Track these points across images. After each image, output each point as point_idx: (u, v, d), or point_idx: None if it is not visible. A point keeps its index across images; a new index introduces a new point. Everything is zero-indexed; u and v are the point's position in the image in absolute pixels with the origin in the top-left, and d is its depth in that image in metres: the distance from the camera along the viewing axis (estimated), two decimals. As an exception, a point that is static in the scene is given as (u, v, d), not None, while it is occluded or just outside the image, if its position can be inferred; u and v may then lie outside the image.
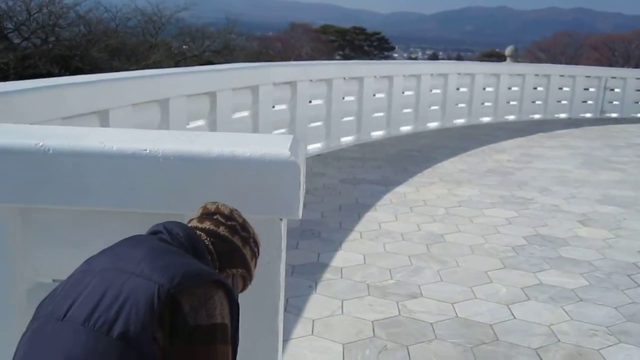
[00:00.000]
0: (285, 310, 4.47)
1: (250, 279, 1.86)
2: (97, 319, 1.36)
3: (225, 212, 1.81)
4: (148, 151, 2.14)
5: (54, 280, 2.93)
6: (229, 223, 1.79)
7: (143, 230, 2.33)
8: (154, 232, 1.71)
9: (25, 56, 21.06)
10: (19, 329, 2.37)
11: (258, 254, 1.87)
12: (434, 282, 5.20)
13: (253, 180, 2.13)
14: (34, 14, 22.84)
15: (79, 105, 4.91)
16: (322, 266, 5.45)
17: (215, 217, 1.79)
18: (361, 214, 7.14)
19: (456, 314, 4.60)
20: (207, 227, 1.76)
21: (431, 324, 4.41)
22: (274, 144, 2.20)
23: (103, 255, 1.59)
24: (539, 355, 4.03)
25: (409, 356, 3.96)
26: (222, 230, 1.76)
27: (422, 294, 4.93)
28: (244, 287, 1.87)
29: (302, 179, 2.16)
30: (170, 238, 1.64)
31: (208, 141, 2.26)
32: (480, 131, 14.12)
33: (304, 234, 6.26)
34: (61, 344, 1.36)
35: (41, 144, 2.18)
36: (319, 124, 10.74)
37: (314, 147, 10.65)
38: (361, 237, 6.34)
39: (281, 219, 2.23)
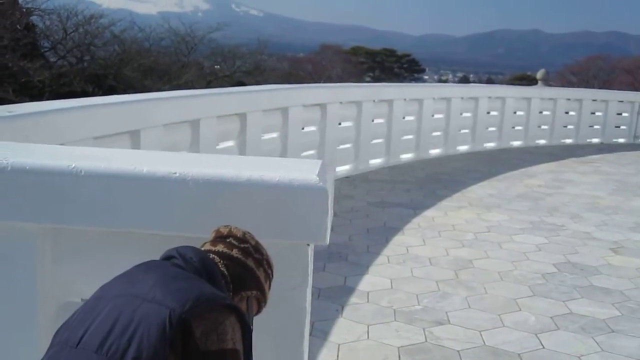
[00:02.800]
0: (310, 334, 4.45)
1: (265, 301, 1.86)
2: (110, 345, 1.38)
3: (238, 235, 1.83)
4: (178, 174, 2.15)
5: (82, 300, 2.97)
6: (242, 245, 1.80)
7: (169, 247, 2.35)
8: (167, 257, 1.72)
9: (60, 74, 21.45)
10: (46, 344, 2.40)
11: (272, 276, 1.88)
12: (462, 308, 5.13)
13: (281, 205, 2.13)
14: (70, 33, 23.28)
15: (111, 125, 4.99)
16: (349, 290, 5.43)
17: (228, 240, 1.81)
18: (389, 238, 7.10)
19: (484, 342, 4.53)
20: (221, 250, 1.78)
21: (458, 351, 4.35)
22: (302, 169, 2.20)
23: (116, 282, 1.62)
24: (568, 387, 3.95)
25: (435, 384, 3.91)
26: (235, 253, 1.77)
27: (449, 320, 4.87)
28: (259, 310, 1.87)
29: (330, 204, 2.15)
30: (183, 263, 1.66)
31: (237, 165, 2.27)
32: (511, 155, 14.00)
33: (331, 257, 6.24)
34: None
35: (73, 165, 2.21)
36: (348, 146, 10.75)
37: (343, 169, 10.65)
38: (389, 261, 6.30)
39: (308, 245, 2.22)
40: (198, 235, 2.21)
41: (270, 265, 1.86)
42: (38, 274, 2.36)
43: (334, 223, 7.52)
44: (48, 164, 2.24)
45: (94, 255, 2.42)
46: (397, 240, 7.05)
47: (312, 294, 5.11)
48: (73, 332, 1.47)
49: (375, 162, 11.53)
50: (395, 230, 7.45)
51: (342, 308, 5.02)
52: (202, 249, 1.80)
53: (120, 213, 2.22)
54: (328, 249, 6.37)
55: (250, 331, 1.58)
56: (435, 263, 6.28)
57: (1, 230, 2.32)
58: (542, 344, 4.54)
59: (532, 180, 11.27)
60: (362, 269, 5.98)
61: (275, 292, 2.23)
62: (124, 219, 2.23)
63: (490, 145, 14.72)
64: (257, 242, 1.85)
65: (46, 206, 2.25)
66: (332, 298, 5.18)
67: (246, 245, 1.81)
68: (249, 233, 1.86)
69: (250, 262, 1.78)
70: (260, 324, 2.26)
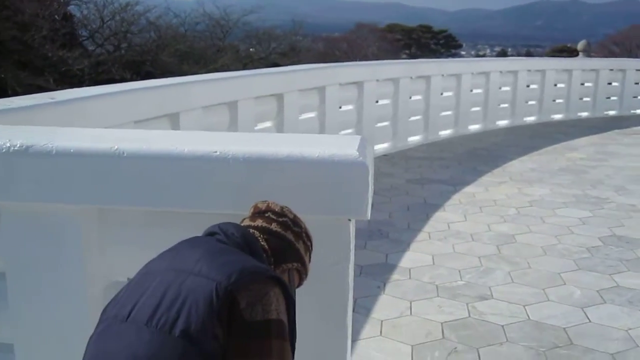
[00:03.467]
0: (353, 310, 4.47)
1: (306, 272, 1.88)
2: (159, 318, 1.41)
3: (276, 209, 1.85)
4: (218, 153, 2.17)
5: (128, 279, 3.03)
6: (280, 219, 1.82)
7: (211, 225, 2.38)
8: (210, 233, 1.76)
9: (99, 62, 21.75)
10: (95, 325, 2.45)
11: (311, 248, 1.91)
12: (505, 283, 5.09)
13: (321, 180, 2.13)
14: (107, 21, 23.57)
15: (150, 109, 5.04)
16: (390, 267, 5.43)
17: (266, 214, 1.84)
18: (429, 214, 7.06)
19: (528, 316, 4.49)
20: (260, 224, 1.81)
21: (502, 326, 4.33)
22: (342, 145, 2.20)
23: (162, 258, 1.66)
24: (616, 360, 3.90)
25: (479, 359, 3.90)
26: (274, 226, 1.80)
27: (492, 295, 4.84)
28: (300, 282, 1.89)
29: (371, 179, 2.15)
30: (226, 238, 1.69)
31: (277, 142, 2.28)
32: (552, 129, 13.76)
33: (372, 235, 6.25)
34: (126, 344, 1.41)
35: (116, 147, 2.24)
36: (385, 123, 10.69)
37: (381, 147, 10.61)
38: (430, 237, 6.27)
39: (350, 220, 2.22)
40: (239, 212, 2.23)
41: (309, 238, 1.89)
42: (85, 254, 2.41)
43: (374, 201, 7.47)
44: (91, 147, 2.28)
45: (138, 235, 2.46)
46: (438, 216, 7.02)
47: (354, 272, 5.12)
48: (122, 307, 1.50)
49: (414, 139, 11.45)
50: (435, 206, 7.41)
51: (384, 285, 5.02)
52: (242, 224, 1.84)
53: (162, 193, 2.25)
54: (368, 227, 6.37)
55: (294, 302, 1.61)
56: (477, 239, 6.23)
57: (48, 212, 2.36)
58: (588, 318, 4.48)
59: (574, 154, 11.07)
60: (403, 245, 5.97)
61: (317, 268, 2.25)
62: (166, 199, 2.25)
63: (530, 119, 14.47)
64: (295, 216, 1.87)
65: (90, 188, 2.29)
66: (374, 275, 5.19)
67: (284, 219, 1.83)
68: (287, 207, 1.88)
69: (289, 235, 1.81)
70: (303, 300, 2.27)
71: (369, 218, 2.18)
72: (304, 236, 1.85)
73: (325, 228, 2.21)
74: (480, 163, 10.02)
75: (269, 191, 2.14)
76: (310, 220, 2.20)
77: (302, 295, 2.27)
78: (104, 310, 1.61)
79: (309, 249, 1.88)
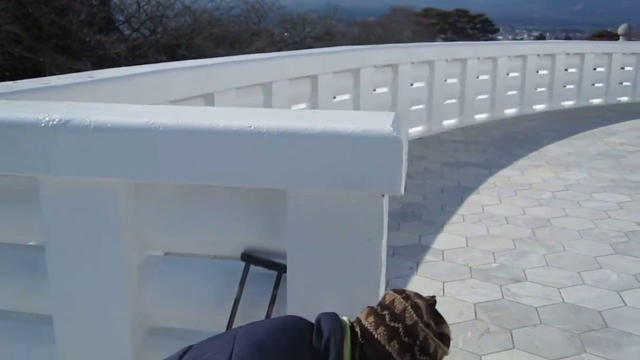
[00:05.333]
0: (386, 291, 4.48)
1: None
2: None
3: (396, 310, 1.60)
4: (253, 128, 2.18)
5: (165, 254, 3.08)
6: (392, 324, 1.58)
7: (245, 204, 2.40)
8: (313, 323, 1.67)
9: (135, 46, 21.94)
10: (132, 299, 2.50)
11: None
12: (540, 266, 5.04)
13: (355, 156, 2.13)
14: (143, 5, 23.73)
15: (186, 88, 5.09)
16: (424, 248, 5.41)
17: (383, 313, 1.61)
18: (464, 197, 7.02)
19: (562, 299, 4.45)
20: (367, 325, 1.61)
21: (536, 308, 4.29)
22: (376, 121, 2.19)
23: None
24: (652, 344, 3.84)
25: (512, 340, 3.88)
26: (379, 332, 1.57)
27: (526, 278, 4.80)
28: None
29: (405, 154, 2.14)
30: (309, 336, 1.61)
31: (311, 118, 2.28)
32: (590, 113, 13.51)
33: (405, 216, 6.23)
34: None
35: (152, 122, 2.27)
36: (420, 107, 10.61)
37: (416, 130, 10.54)
38: (463, 220, 6.23)
39: (383, 195, 2.22)
40: (274, 186, 2.25)
41: (425, 352, 1.57)
42: (121, 228, 2.45)
43: (408, 184, 7.44)
44: (127, 121, 2.31)
45: (173, 209, 2.50)
46: (472, 199, 6.97)
47: (387, 253, 5.12)
48: None
49: (449, 122, 11.36)
50: (470, 189, 7.36)
51: (417, 266, 5.01)
52: (361, 313, 1.68)
53: (197, 167, 2.27)
54: (402, 209, 6.36)
55: None
56: (511, 222, 6.18)
57: (86, 185, 2.41)
58: (624, 301, 4.42)
59: (613, 138, 10.87)
60: (436, 227, 5.94)
61: (350, 244, 2.26)
62: (201, 173, 2.27)
63: (568, 103, 14.23)
64: (415, 322, 1.57)
65: (127, 162, 2.32)
66: (407, 256, 5.18)
67: (396, 325, 1.57)
68: (411, 309, 1.59)
69: (391, 347, 1.55)
70: (335, 276, 2.29)
71: (402, 193, 2.17)
72: (416, 350, 1.56)
73: (358, 204, 2.21)
74: (516, 147, 9.91)
75: (303, 165, 2.15)
76: (343, 196, 2.21)
77: (333, 272, 2.29)
78: None
79: None
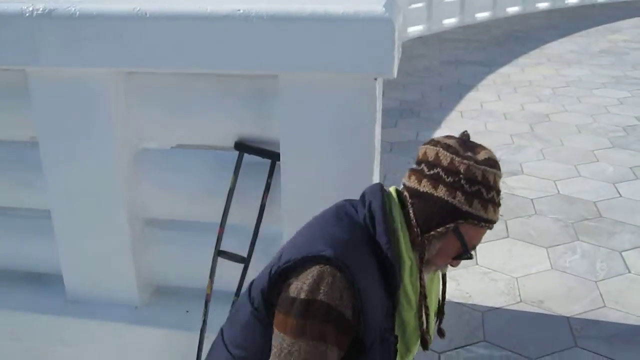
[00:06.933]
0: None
1: (485, 220, 1.54)
2: (249, 288, 1.68)
3: (430, 158, 1.56)
4: (242, 11, 2.12)
5: (159, 145, 3.07)
6: (431, 172, 1.53)
7: (237, 92, 2.38)
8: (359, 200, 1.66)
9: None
10: (128, 191, 2.51)
11: (485, 191, 1.53)
12: (537, 160, 5.07)
13: (346, 38, 2.08)
14: None
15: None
16: (421, 144, 5.40)
17: (420, 167, 1.58)
18: (462, 94, 6.97)
19: (558, 190, 4.49)
20: (411, 185, 1.57)
21: (531, 200, 4.34)
22: (368, 2, 2.14)
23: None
24: (645, 232, 3.90)
25: (507, 229, 3.94)
26: (423, 186, 1.54)
27: (523, 171, 4.83)
28: (483, 230, 1.58)
29: (397, 36, 2.10)
30: (354, 213, 1.61)
31: (301, 0, 2.22)
32: (595, 11, 13.24)
33: (403, 114, 6.20)
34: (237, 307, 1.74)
35: (138, 8, 2.21)
36: (419, 5, 10.37)
37: (415, 29, 10.34)
38: (462, 116, 6.21)
39: (375, 79, 2.19)
40: (264, 72, 2.22)
41: (474, 181, 1.50)
42: (114, 119, 2.43)
43: (406, 81, 7.41)
44: (113, 8, 2.24)
45: (165, 100, 2.47)
46: (471, 96, 6.92)
47: (384, 148, 5.13)
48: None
49: (449, 21, 11.14)
50: (469, 87, 7.30)
51: (414, 161, 5.02)
52: (404, 178, 1.64)
53: (186, 54, 2.23)
54: (400, 107, 6.33)
55: (359, 290, 1.44)
56: (510, 117, 6.15)
57: (75, 77, 2.37)
58: (619, 193, 4.46)
59: (616, 36, 10.68)
60: (434, 124, 5.93)
61: (343, 129, 2.25)
62: (190, 60, 2.23)
63: (572, 1, 13.90)
64: (452, 159, 1.51)
65: (115, 51, 2.27)
66: (404, 151, 5.19)
67: (436, 171, 1.52)
68: (444, 149, 1.55)
69: (440, 192, 1.51)
70: (328, 162, 2.29)
71: (394, 76, 2.13)
72: (463, 183, 1.50)
73: (350, 88, 2.19)
74: (517, 45, 9.75)
75: (294, 49, 2.11)
76: (334, 79, 2.18)
77: (326, 159, 2.29)
78: None
79: (476, 195, 1.51)
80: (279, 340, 1.45)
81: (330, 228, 1.55)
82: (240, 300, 1.71)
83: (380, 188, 1.63)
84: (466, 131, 1.67)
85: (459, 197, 1.50)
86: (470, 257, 1.60)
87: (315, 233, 1.56)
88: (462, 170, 1.50)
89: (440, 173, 1.52)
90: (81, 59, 2.31)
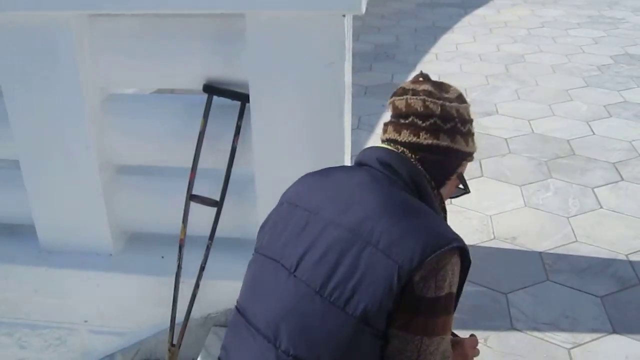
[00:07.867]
0: (357, 127, 4.51)
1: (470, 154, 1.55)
2: (332, 289, 1.32)
3: (419, 109, 1.48)
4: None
5: (128, 92, 3.02)
6: (427, 123, 1.47)
7: (204, 33, 2.32)
8: (365, 164, 1.52)
9: None
10: (97, 138, 2.48)
11: (471, 125, 1.53)
12: (511, 100, 5.07)
13: (312, -26, 2.05)
14: None
15: None
16: (396, 86, 5.32)
17: (409, 119, 1.50)
18: (437, 37, 6.91)
19: (532, 130, 4.51)
20: (410, 140, 1.49)
21: (505, 139, 4.36)
22: (334, -63, 2.08)
23: (324, 196, 1.48)
24: (616, 169, 3.94)
25: (481, 169, 3.96)
26: (423, 138, 1.47)
27: (497, 111, 4.84)
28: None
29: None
30: (394, 177, 1.46)
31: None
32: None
33: (377, 57, 6.15)
34: (299, 310, 1.37)
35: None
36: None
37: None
38: (437, 58, 6.18)
39: (344, 15, 2.15)
40: (233, 10, 2.16)
41: (464, 120, 1.49)
42: (79, 65, 2.37)
43: (381, 24, 7.33)
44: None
45: (131, 43, 2.41)
46: (446, 38, 6.87)
47: (359, 92, 5.10)
48: (286, 251, 1.42)
49: (424, -37, 10.95)
50: (444, 29, 7.24)
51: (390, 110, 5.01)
52: (385, 136, 1.56)
53: (151, -6, 2.18)
54: (374, 50, 6.27)
55: (470, 263, 1.39)
56: (485, 59, 6.13)
57: (36, 21, 2.30)
58: (592, 131, 4.49)
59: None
60: (409, 66, 5.88)
61: (312, 68, 2.21)
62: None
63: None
64: (442, 103, 1.47)
65: (78, -8, 2.22)
66: (379, 95, 5.15)
67: (432, 121, 1.47)
68: (411, 97, 1.51)
69: (443, 141, 1.47)
70: (298, 102, 2.27)
71: (362, 12, 2.10)
72: (457, 123, 1.48)
73: (318, 25, 2.15)
74: (493, -14, 9.65)
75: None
76: (302, 17, 2.15)
77: (296, 99, 2.26)
78: (261, 231, 1.54)
79: (467, 133, 1.51)
80: (416, 343, 1.31)
81: (418, 217, 1.38)
82: (321, 324, 1.35)
83: (400, 156, 1.49)
84: (422, 71, 1.63)
85: (459, 140, 1.49)
86: (469, 192, 1.61)
87: (418, 221, 1.37)
88: (438, 112, 1.47)
89: (438, 122, 1.47)
90: (41, 2, 2.24)
